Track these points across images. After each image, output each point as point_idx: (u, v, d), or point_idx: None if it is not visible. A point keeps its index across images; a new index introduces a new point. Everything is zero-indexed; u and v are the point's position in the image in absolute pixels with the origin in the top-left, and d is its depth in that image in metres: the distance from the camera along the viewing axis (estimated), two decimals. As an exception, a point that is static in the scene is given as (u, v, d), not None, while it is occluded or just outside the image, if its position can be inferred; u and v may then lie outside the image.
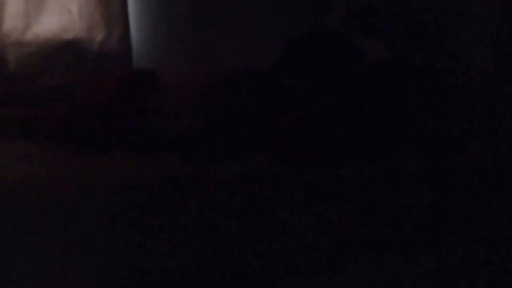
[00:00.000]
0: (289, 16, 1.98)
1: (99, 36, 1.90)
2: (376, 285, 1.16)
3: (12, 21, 1.81)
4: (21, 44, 1.82)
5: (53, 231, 1.22)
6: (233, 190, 1.23)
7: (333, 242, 1.24)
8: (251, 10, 2.01)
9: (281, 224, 1.23)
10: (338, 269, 1.21)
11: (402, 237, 1.27)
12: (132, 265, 1.19)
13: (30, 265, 1.22)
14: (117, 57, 1.92)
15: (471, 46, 1.37)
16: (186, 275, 1.17)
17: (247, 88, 1.45)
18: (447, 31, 1.50)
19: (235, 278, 1.17)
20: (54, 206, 1.22)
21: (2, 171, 1.27)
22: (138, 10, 1.97)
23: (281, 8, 2.00)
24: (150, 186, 1.25)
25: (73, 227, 1.21)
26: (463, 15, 1.40)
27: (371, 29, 1.79)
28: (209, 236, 1.20)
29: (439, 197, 1.28)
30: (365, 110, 1.39)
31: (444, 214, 1.26)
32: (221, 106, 1.39)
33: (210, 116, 1.39)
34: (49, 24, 1.86)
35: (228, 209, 1.21)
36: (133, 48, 1.97)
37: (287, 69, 1.55)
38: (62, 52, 1.85)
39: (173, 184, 1.25)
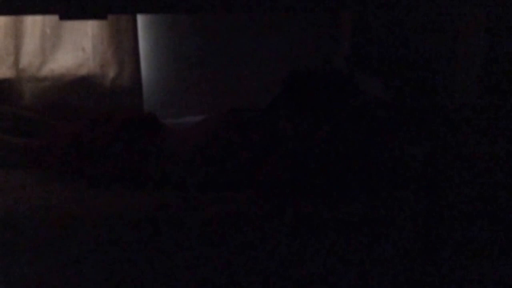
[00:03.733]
0: (295, 56, 2.04)
1: (111, 73, 1.99)
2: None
3: (29, 58, 1.93)
4: (37, 79, 1.93)
5: (47, 259, 1.26)
6: (222, 226, 1.27)
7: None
8: (259, 51, 2.08)
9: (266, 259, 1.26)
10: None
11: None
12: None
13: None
14: (128, 93, 2.00)
15: (461, 84, 1.40)
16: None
17: (247, 130, 1.50)
18: (440, 70, 1.53)
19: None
20: (49, 235, 1.26)
21: (1, 196, 1.34)
22: (149, 50, 2.06)
23: (287, 48, 2.06)
24: (146, 219, 1.29)
25: (67, 257, 1.26)
26: (452, 56, 1.43)
27: (372, 69, 1.83)
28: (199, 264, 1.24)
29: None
30: (363, 149, 1.42)
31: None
32: (218, 151, 1.44)
33: (207, 159, 1.44)
34: (64, 61, 1.97)
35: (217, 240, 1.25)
36: (144, 85, 2.05)
37: (287, 109, 1.59)
38: (76, 87, 1.94)
39: (168, 217, 1.29)
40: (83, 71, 1.97)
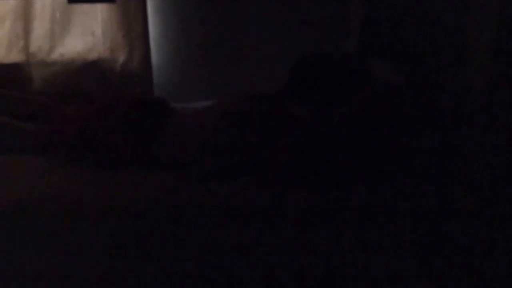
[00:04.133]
0: (305, 42, 2.01)
1: (121, 57, 1.98)
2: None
3: (39, 42, 1.92)
4: (47, 64, 1.93)
5: (57, 243, 1.27)
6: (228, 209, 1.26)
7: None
8: (269, 36, 2.06)
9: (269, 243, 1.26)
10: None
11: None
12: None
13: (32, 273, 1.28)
14: (138, 77, 1.99)
15: (471, 74, 1.37)
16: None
17: (258, 116, 1.48)
18: (451, 58, 1.50)
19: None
20: (59, 220, 1.27)
21: (12, 182, 1.34)
22: (159, 34, 2.05)
23: (296, 32, 2.04)
24: (154, 201, 1.29)
25: (77, 242, 1.26)
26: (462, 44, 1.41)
27: (383, 54, 1.80)
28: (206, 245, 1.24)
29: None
30: (376, 135, 1.39)
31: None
32: (228, 138, 1.42)
33: (216, 146, 1.43)
34: (74, 45, 1.96)
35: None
36: (154, 69, 2.04)
37: (297, 95, 1.57)
38: (86, 72, 1.94)
39: (173, 200, 1.29)
40: (93, 56, 1.97)
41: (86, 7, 1.94)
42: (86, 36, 1.95)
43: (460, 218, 1.26)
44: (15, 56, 1.91)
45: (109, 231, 1.28)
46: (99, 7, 1.94)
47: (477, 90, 1.31)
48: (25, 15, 1.89)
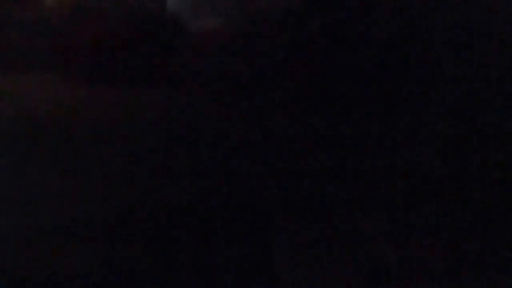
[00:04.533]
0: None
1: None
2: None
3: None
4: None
5: (66, 159, 1.33)
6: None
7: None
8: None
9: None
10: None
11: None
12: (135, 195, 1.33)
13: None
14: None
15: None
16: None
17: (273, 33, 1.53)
18: None
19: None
20: (71, 134, 1.33)
21: (24, 97, 1.39)
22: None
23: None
24: (163, 119, 1.35)
25: (87, 158, 1.32)
26: None
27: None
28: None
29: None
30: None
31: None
32: (245, 53, 1.48)
33: (230, 60, 1.48)
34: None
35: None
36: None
37: (314, 10, 1.61)
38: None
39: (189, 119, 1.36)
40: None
41: None
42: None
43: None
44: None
45: (123, 144, 1.33)
46: None
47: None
48: None
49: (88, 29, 1.76)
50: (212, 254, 1.29)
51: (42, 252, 1.22)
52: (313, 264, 1.25)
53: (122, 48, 1.64)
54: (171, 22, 1.79)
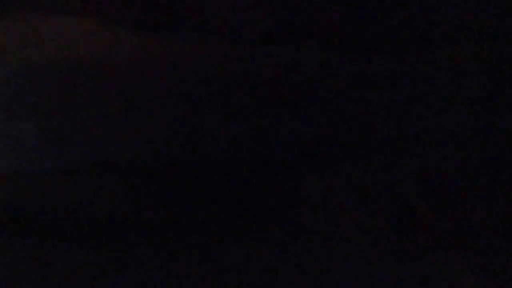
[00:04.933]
0: None
1: None
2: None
3: None
4: None
5: (106, 103, 1.32)
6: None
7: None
8: None
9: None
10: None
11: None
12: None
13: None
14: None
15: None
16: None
17: None
18: None
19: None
20: (112, 79, 1.31)
21: (66, 43, 1.37)
22: None
23: None
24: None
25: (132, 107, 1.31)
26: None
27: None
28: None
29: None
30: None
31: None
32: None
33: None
34: None
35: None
36: None
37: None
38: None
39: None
40: None
41: None
42: None
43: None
44: None
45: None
46: None
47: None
48: None
49: None
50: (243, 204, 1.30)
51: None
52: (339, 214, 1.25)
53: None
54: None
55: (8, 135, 1.22)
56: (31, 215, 1.20)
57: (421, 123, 1.33)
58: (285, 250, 1.15)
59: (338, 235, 1.15)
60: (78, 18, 1.55)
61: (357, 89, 1.30)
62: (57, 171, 1.23)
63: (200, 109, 1.32)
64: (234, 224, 1.20)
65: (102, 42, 1.41)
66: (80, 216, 1.21)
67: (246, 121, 1.28)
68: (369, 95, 1.29)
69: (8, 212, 1.19)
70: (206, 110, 1.31)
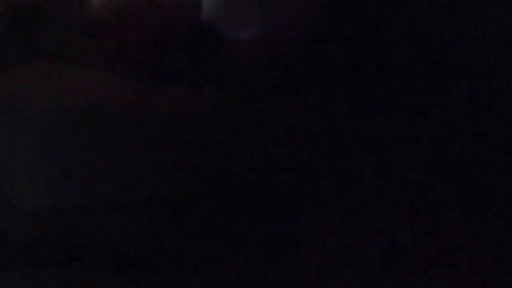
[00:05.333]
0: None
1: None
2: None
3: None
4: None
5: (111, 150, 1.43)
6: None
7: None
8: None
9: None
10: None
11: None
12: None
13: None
14: (188, 8, 2.15)
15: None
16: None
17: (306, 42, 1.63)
18: None
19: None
20: (117, 124, 1.42)
21: (80, 90, 1.49)
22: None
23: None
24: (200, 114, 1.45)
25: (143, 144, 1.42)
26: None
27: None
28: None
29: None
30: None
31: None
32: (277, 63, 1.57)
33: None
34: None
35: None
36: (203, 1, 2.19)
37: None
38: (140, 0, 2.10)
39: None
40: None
41: None
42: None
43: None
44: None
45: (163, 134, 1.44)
46: None
47: None
48: None
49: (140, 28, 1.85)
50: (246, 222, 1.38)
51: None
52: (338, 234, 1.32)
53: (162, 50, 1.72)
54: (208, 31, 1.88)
55: (32, 174, 1.32)
56: (54, 248, 1.30)
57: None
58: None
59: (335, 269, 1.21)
60: (84, 67, 1.65)
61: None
62: (76, 208, 1.33)
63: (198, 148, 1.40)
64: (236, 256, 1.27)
65: (110, 88, 1.51)
66: (100, 250, 1.31)
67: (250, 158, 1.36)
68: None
69: (30, 245, 1.29)
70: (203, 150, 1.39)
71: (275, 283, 1.30)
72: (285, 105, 1.57)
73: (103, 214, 1.45)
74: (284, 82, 1.72)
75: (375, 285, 1.20)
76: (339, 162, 1.45)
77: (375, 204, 1.39)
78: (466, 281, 1.12)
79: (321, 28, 1.61)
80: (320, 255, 1.28)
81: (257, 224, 1.45)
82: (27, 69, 1.71)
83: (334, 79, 1.52)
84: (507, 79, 1.44)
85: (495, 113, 1.42)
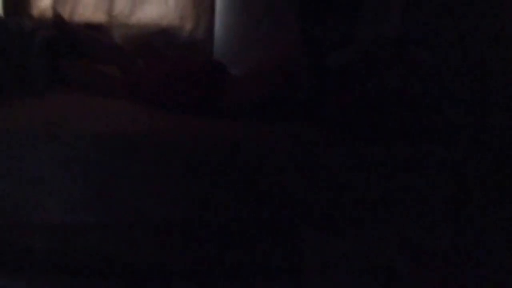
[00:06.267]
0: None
1: (188, 25, 2.25)
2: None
3: (121, 6, 2.22)
4: (126, 26, 2.21)
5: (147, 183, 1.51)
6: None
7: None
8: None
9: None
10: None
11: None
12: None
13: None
14: (200, 45, 2.26)
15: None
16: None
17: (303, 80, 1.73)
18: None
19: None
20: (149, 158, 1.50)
21: (101, 123, 1.57)
22: (223, 7, 2.31)
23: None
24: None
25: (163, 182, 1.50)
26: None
27: (424, 39, 2.00)
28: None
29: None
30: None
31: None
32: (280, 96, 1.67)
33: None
34: (149, 12, 2.24)
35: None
36: (215, 39, 2.30)
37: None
38: (157, 36, 2.21)
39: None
40: (165, 22, 2.24)
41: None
42: (161, 5, 2.23)
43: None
44: (99, 17, 2.19)
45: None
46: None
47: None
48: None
49: (155, 66, 1.91)
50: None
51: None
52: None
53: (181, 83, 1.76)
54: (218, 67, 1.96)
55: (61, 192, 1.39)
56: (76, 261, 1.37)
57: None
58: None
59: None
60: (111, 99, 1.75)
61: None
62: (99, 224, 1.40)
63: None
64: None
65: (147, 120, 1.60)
66: (119, 265, 1.37)
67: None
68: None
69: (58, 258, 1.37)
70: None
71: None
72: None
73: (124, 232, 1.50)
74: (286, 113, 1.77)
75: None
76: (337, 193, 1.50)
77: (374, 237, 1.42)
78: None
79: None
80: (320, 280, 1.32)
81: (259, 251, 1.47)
82: (61, 97, 1.78)
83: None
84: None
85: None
